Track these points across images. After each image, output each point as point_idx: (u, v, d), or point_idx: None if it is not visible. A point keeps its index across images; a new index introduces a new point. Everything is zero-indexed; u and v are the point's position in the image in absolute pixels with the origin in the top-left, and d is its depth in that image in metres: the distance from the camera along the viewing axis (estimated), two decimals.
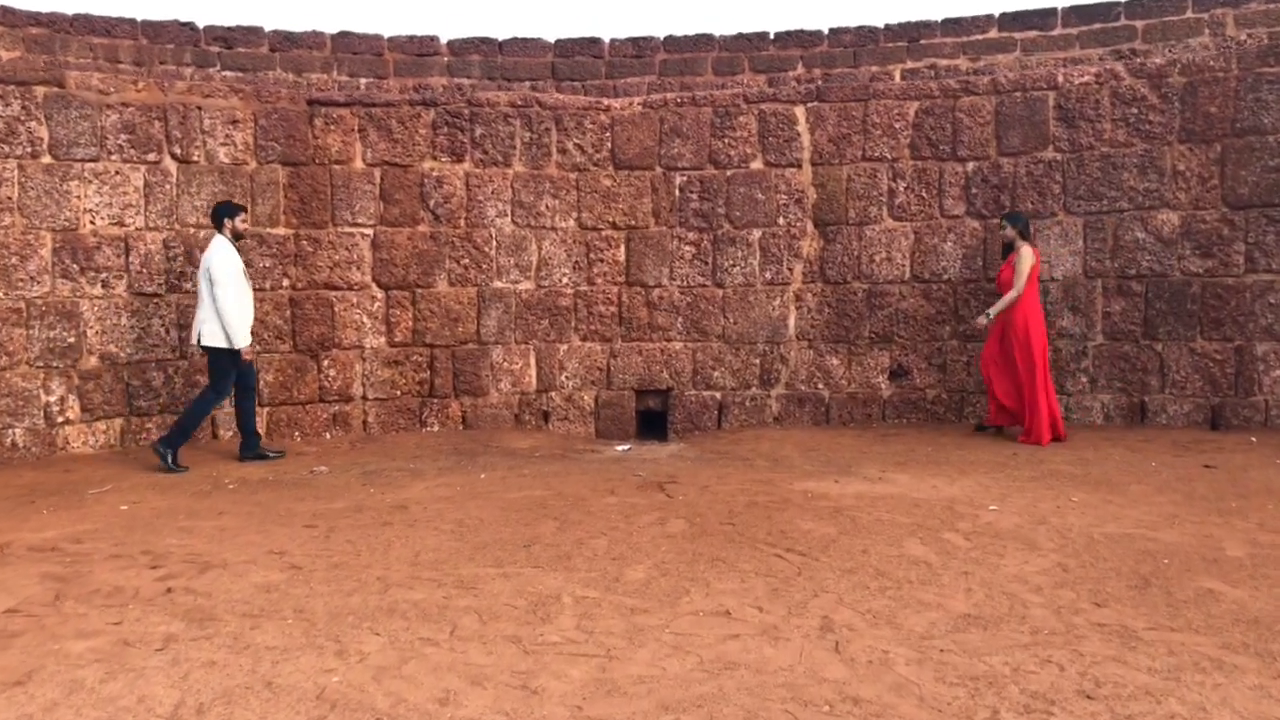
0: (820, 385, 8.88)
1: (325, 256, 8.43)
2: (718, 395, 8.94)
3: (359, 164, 8.53)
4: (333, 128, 8.44)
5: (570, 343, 8.94)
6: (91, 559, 4.69)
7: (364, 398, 8.61)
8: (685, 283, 8.91)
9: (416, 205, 8.63)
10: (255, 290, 8.24)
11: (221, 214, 7.44)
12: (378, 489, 6.37)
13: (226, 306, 7.18)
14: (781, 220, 8.84)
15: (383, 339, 8.62)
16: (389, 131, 8.54)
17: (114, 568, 4.53)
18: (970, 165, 8.57)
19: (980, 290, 8.57)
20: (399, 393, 8.68)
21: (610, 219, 8.88)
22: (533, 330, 8.84)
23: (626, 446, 8.36)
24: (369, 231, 8.56)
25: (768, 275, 8.86)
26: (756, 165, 8.86)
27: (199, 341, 7.32)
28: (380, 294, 8.60)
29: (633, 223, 8.89)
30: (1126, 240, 8.19)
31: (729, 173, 8.86)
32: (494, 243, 8.77)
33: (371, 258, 8.56)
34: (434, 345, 8.72)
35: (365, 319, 8.57)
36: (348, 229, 8.50)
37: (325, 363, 8.49)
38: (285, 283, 8.38)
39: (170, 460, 7.12)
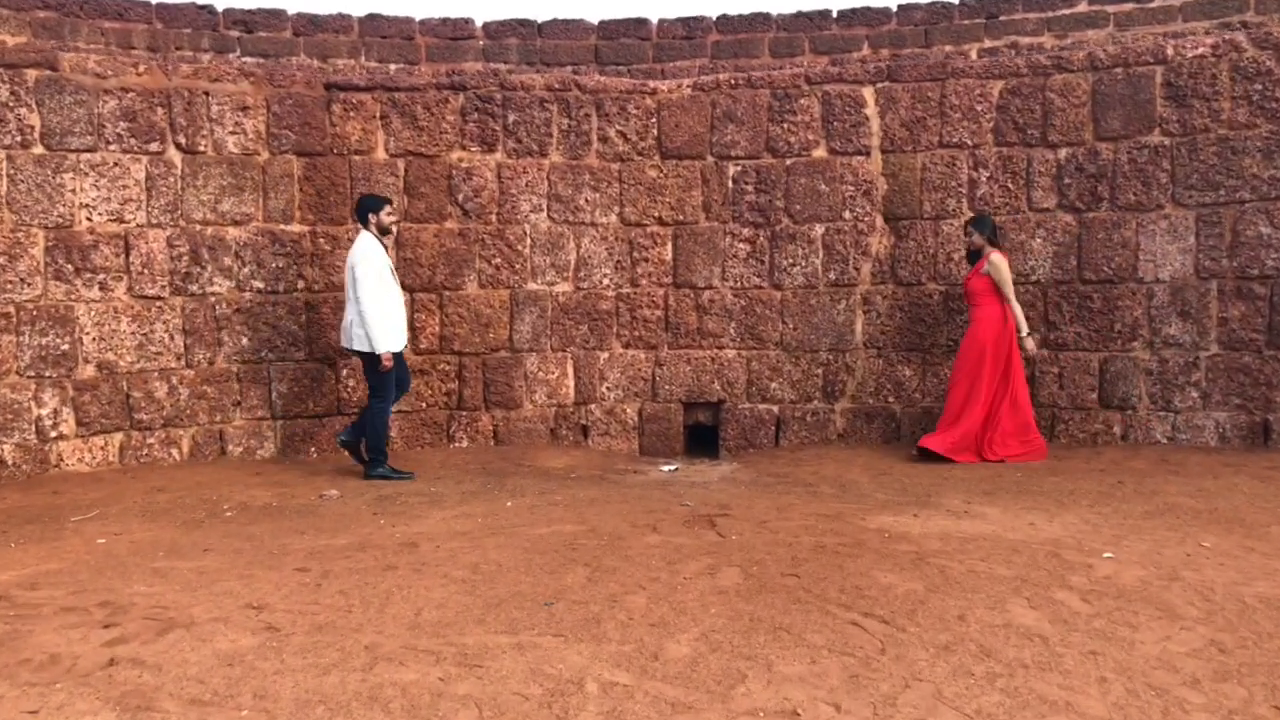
0: (891, 399, 8.02)
1: (344, 256, 7.76)
2: (775, 409, 8.12)
3: (381, 154, 7.85)
4: (352, 114, 7.77)
5: (612, 350, 8.18)
6: (40, 613, 4.02)
7: None
8: (739, 284, 8.11)
9: (444, 199, 7.93)
10: (268, 293, 7.61)
11: (366, 208, 6.94)
12: (389, 520, 5.67)
13: (367, 308, 6.72)
14: (847, 214, 8.00)
15: (407, 346, 7.93)
16: (414, 118, 7.86)
17: (61, 625, 3.86)
18: (1063, 152, 7.65)
19: (1073, 293, 7.65)
20: (424, 405, 7.99)
21: (656, 214, 8.11)
22: (570, 337, 8.11)
23: (673, 466, 7.58)
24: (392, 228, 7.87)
25: (831, 276, 8.02)
26: (819, 153, 8.03)
27: (349, 345, 6.93)
28: (404, 297, 7.92)
29: (681, 218, 8.11)
30: (1248, 236, 7.21)
31: (788, 162, 8.04)
32: (528, 240, 8.04)
33: (395, 257, 7.88)
34: (462, 353, 8.02)
35: None
36: None
37: (344, 372, 7.83)
38: (300, 284, 7.73)
39: (390, 472, 6.89)
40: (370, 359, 6.86)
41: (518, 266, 8.04)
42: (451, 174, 7.93)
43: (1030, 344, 7.22)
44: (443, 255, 7.94)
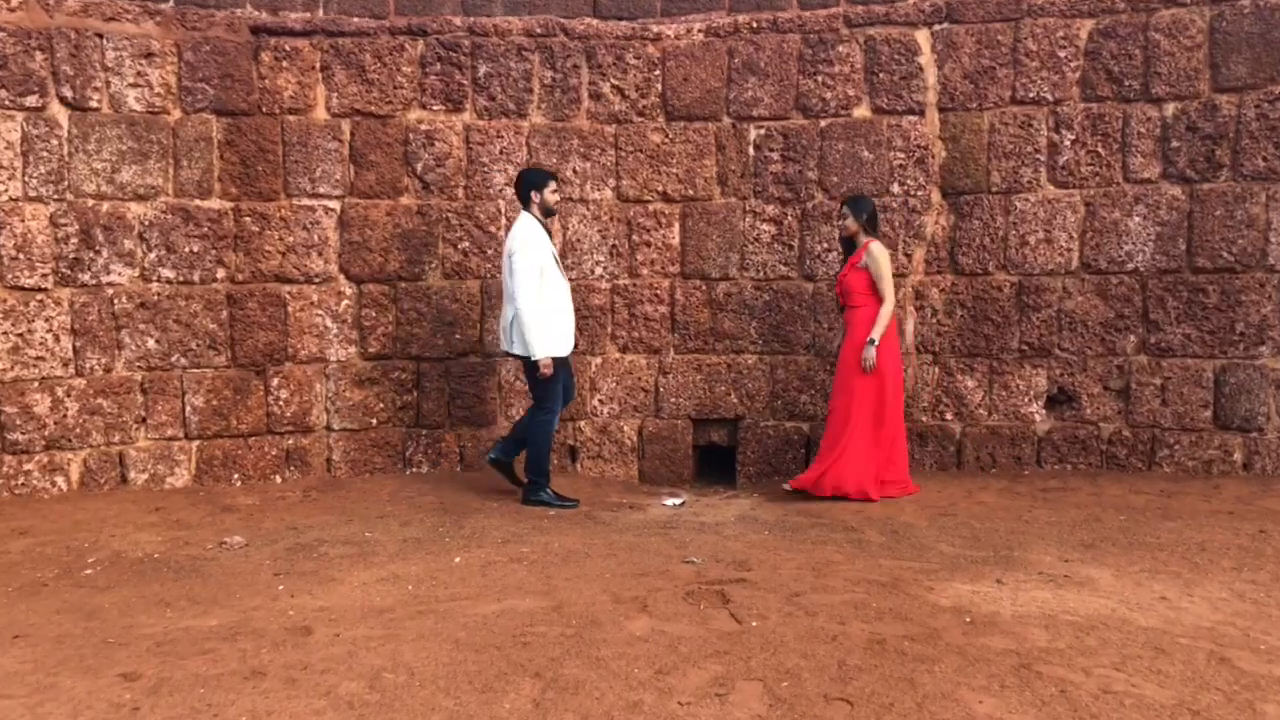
0: (949, 415, 6.60)
1: (275, 239, 6.42)
2: (806, 428, 6.72)
3: (321, 114, 6.50)
4: (286, 65, 6.42)
5: (605, 355, 6.80)
6: None
7: (328, 428, 6.58)
8: (762, 274, 6.71)
9: (399, 170, 6.57)
10: (180, 284, 6.28)
11: (529, 184, 5.97)
12: (291, 583, 4.31)
13: (525, 307, 5.75)
14: (896, 188, 6.58)
15: (353, 349, 6.58)
16: (362, 70, 6.50)
17: None
18: (1169, 108, 6.20)
19: (1181, 285, 6.20)
20: (375, 421, 6.63)
21: (660, 188, 6.72)
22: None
23: (679, 501, 6.18)
24: (334, 205, 6.52)
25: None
26: (861, 112, 6.61)
27: (509, 349, 5.99)
28: (350, 289, 6.57)
29: (691, 193, 6.72)
30: None
31: (823, 123, 6.63)
32: (503, 220, 6.67)
33: (338, 240, 6.53)
34: (422, 358, 6.65)
35: (329, 323, 6.54)
36: (306, 201, 6.48)
37: (275, 381, 6.48)
38: (221, 274, 6.38)
39: (553, 499, 5.97)
40: (531, 364, 5.85)
41: (490, 252, 6.67)
42: (408, 139, 6.57)
43: (871, 353, 5.83)
44: (397, 238, 6.57)
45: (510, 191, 6.66)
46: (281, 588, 4.26)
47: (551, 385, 5.88)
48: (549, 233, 5.97)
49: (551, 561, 4.59)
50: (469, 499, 6.08)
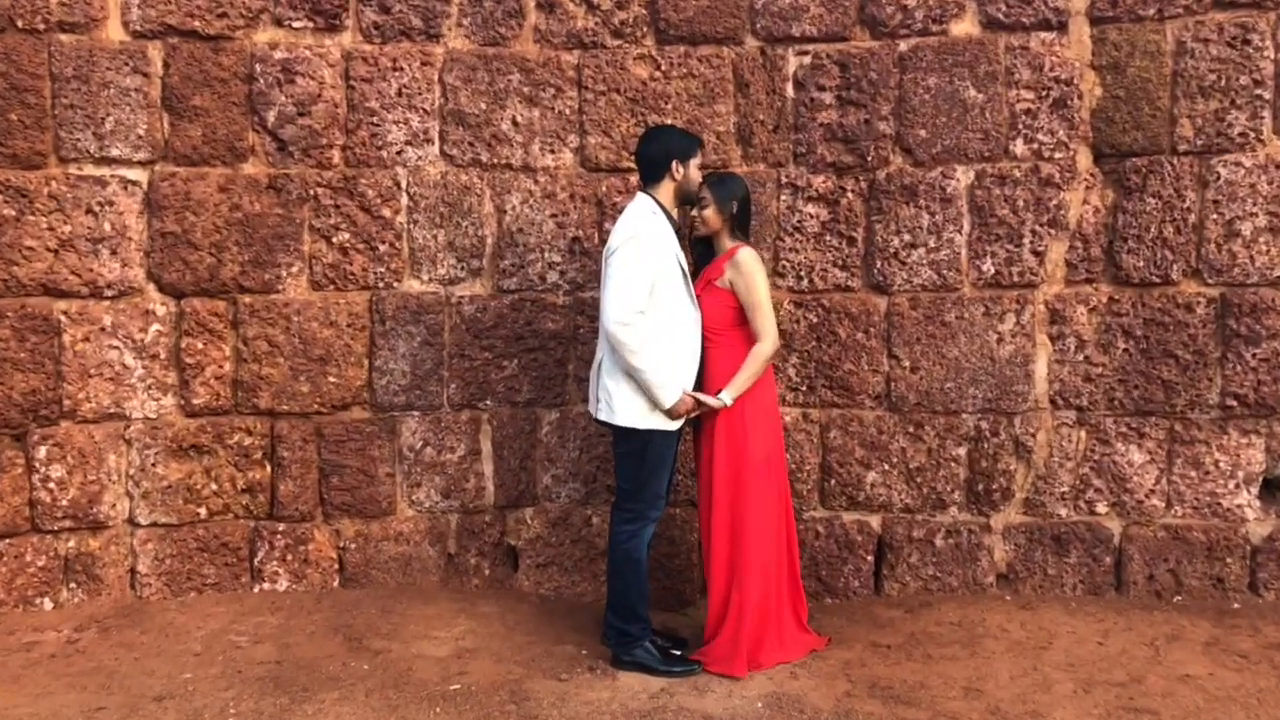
0: (1101, 507, 4.27)
1: (42, 228, 4.17)
2: (874, 521, 4.41)
3: (115, 31, 4.23)
4: None
5: (566, 407, 4.52)
6: None
7: (131, 523, 4.33)
8: (806, 281, 4.40)
9: (240, 121, 4.31)
10: None
11: (667, 151, 3.75)
12: None
13: (618, 328, 3.56)
14: (1019, 146, 4.25)
15: (169, 401, 4.32)
16: None
17: None
18: None
19: None
20: (205, 512, 4.38)
21: None
22: (486, 380, 4.45)
23: (677, 657, 3.86)
24: (138, 175, 4.27)
25: (987, 266, 4.28)
26: (964, 27, 4.28)
27: (596, 411, 3.80)
28: (163, 307, 4.31)
29: None
30: None
31: (903, 46, 4.31)
32: (404, 198, 4.40)
33: (144, 231, 4.28)
34: (279, 414, 4.39)
35: (130, 359, 4.29)
36: (91, 170, 4.22)
37: (42, 451, 4.22)
38: None
39: (656, 662, 3.72)
40: (625, 437, 3.70)
41: (383, 249, 4.39)
42: (255, 72, 4.30)
43: (718, 402, 3.69)
44: (238, 227, 4.31)
45: (417, 155, 4.38)
46: None
47: (653, 468, 3.69)
48: (679, 232, 3.77)
49: None
50: (330, 648, 3.82)
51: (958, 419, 4.33)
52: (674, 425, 3.64)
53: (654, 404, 3.57)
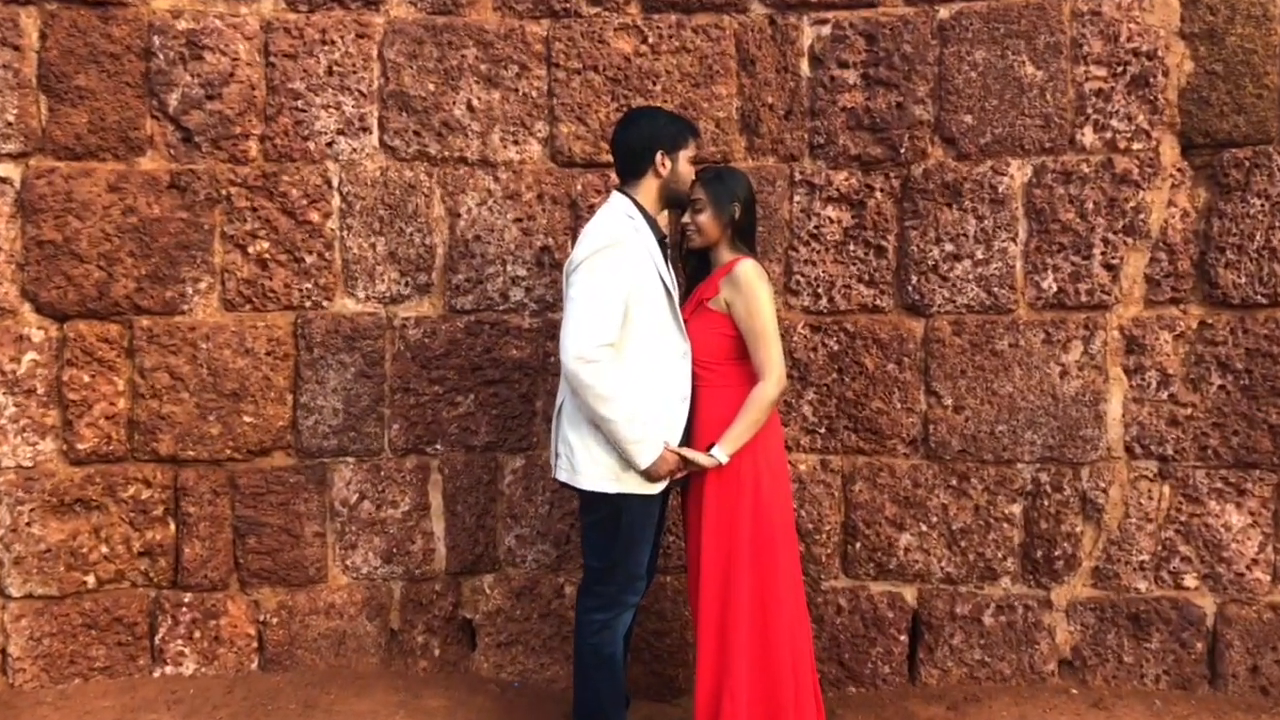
0: (1191, 580, 3.48)
1: None
2: (909, 594, 3.63)
3: None
4: None
5: (530, 453, 3.75)
6: None
7: (1, 594, 3.59)
8: (825, 300, 3.63)
9: (135, 105, 3.56)
10: None
11: (652, 138, 2.97)
12: None
13: (579, 364, 2.78)
14: (1088, 135, 3.47)
15: (47, 445, 3.57)
16: None
17: None
18: None
19: None
20: (93, 580, 3.62)
21: None
22: (435, 420, 3.69)
23: None
24: (7, 171, 3.51)
25: (1047, 283, 3.50)
26: None
27: (556, 470, 3.02)
28: (40, 330, 3.56)
29: None
30: None
31: (943, 11, 3.54)
32: (336, 198, 3.64)
33: (16, 238, 3.53)
34: (184, 460, 3.63)
35: None
36: None
37: None
38: None
39: None
40: (593, 503, 2.93)
41: (310, 260, 3.64)
42: (154, 46, 3.56)
43: (709, 460, 2.91)
44: (132, 234, 3.56)
45: (351, 145, 3.63)
46: None
47: (629, 543, 2.91)
48: (663, 242, 2.99)
49: None
50: None
51: (1011, 470, 3.55)
52: (654, 489, 2.87)
53: (628, 463, 2.81)
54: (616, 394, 2.74)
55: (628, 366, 2.80)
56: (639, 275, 2.82)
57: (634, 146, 2.92)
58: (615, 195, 2.97)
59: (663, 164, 2.92)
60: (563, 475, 2.91)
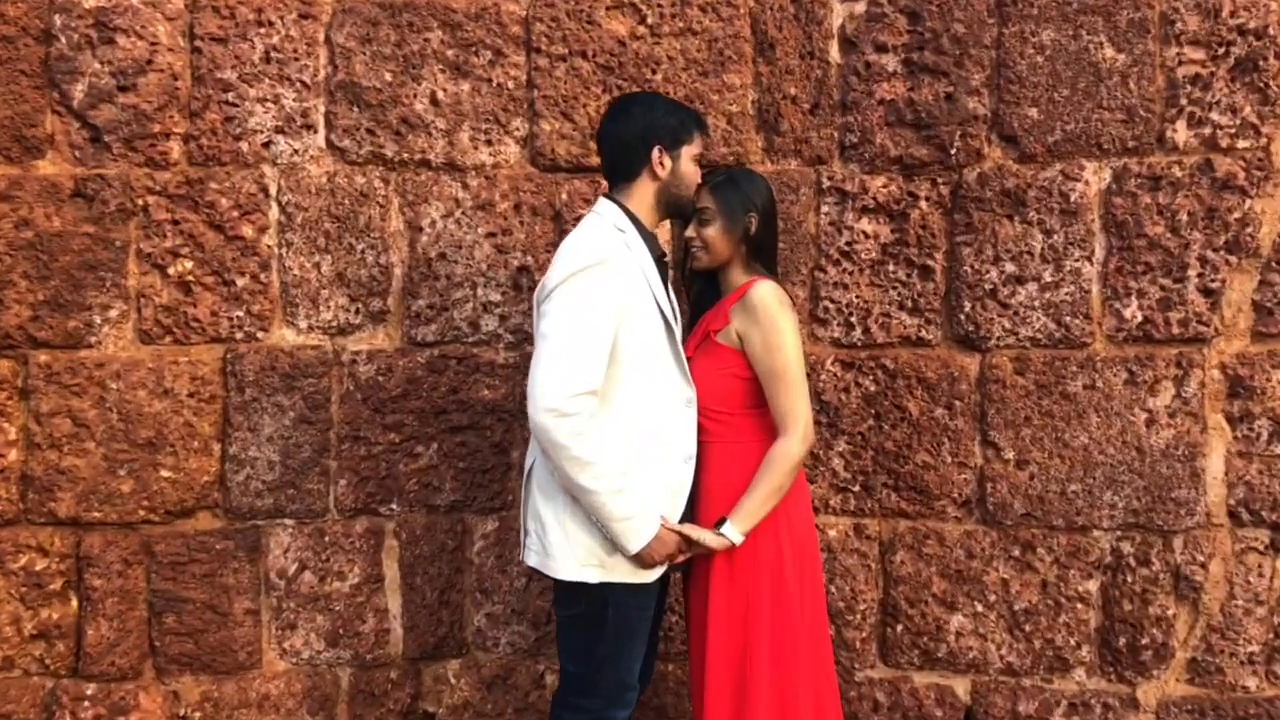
0: None
1: None
2: (960, 687, 3.00)
3: None
4: None
5: (504, 514, 3.14)
6: None
7: None
8: (858, 330, 3.02)
9: (33, 97, 2.98)
10: None
11: (648, 133, 2.36)
12: None
13: (552, 420, 2.15)
14: (1180, 131, 2.86)
15: None
16: None
17: None
18: None
19: None
20: None
21: None
22: (391, 474, 3.08)
23: None
24: None
25: (1131, 311, 2.89)
26: None
27: (526, 553, 2.41)
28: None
29: None
30: None
31: None
32: (274, 210, 3.06)
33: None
34: (87, 523, 3.03)
35: None
36: None
37: None
38: None
39: None
40: (579, 595, 2.29)
41: (242, 284, 3.05)
42: (55, 26, 2.98)
43: (717, 541, 2.30)
44: (28, 252, 2.98)
45: (291, 146, 3.06)
46: None
47: (618, 649, 2.30)
48: (662, 261, 2.42)
49: None
50: None
51: (1087, 538, 2.93)
52: (650, 576, 2.27)
53: (615, 544, 2.21)
54: (600, 457, 2.14)
55: (615, 420, 2.21)
56: (630, 303, 2.23)
57: (626, 141, 2.34)
58: (602, 202, 2.39)
59: (661, 163, 2.33)
60: (533, 559, 2.31)
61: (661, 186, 2.36)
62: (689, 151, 2.37)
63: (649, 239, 2.36)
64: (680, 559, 2.30)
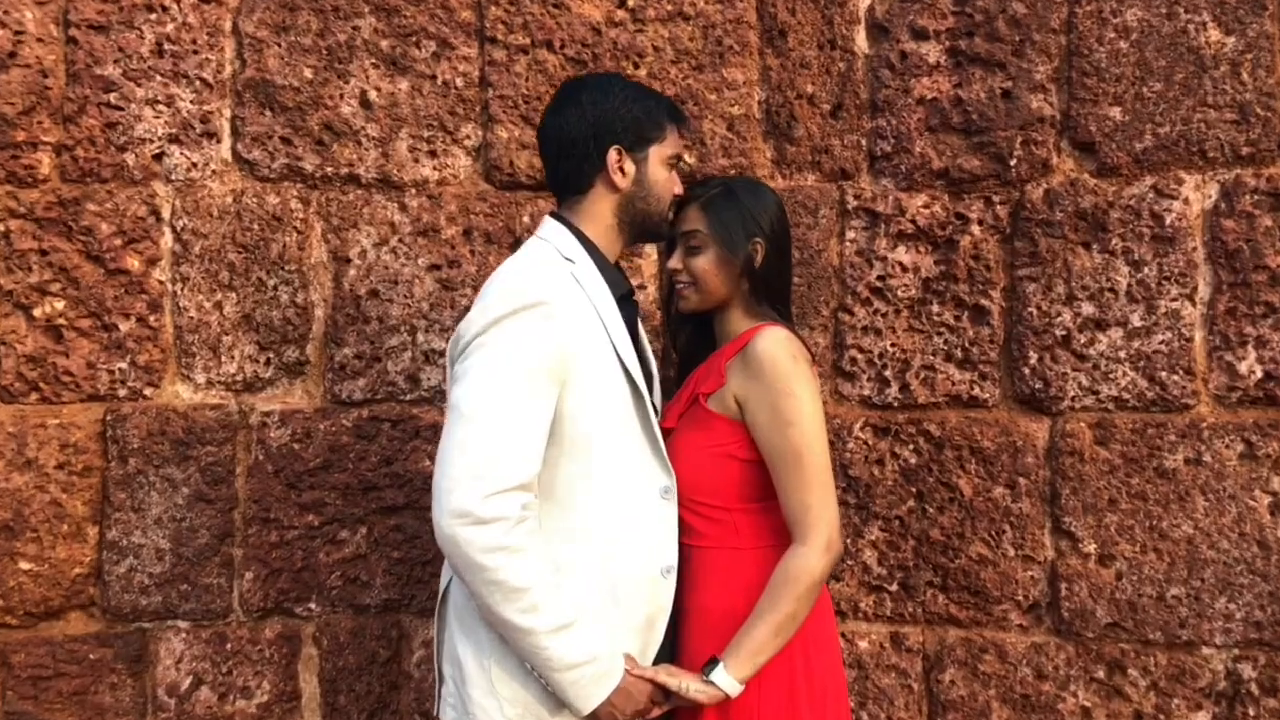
0: None
1: None
2: None
3: None
4: None
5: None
6: None
7: None
8: (894, 387, 2.40)
9: None
10: None
11: (599, 127, 1.74)
12: None
13: (507, 563, 1.56)
14: None
15: None
16: None
17: None
18: None
19: None
20: None
21: None
22: (310, 565, 2.47)
23: None
24: None
25: (1247, 365, 2.26)
26: None
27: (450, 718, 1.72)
28: None
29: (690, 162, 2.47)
30: None
31: None
32: (166, 236, 2.49)
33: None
34: None
35: None
36: None
37: None
38: None
39: None
40: None
41: (126, 328, 2.48)
42: None
43: (706, 692, 1.64)
44: None
45: (189, 160, 2.49)
46: None
47: None
48: (629, 301, 1.84)
49: None
50: None
51: (1194, 656, 2.28)
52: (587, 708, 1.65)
53: (562, 701, 1.60)
54: (534, 581, 1.54)
55: (560, 524, 1.61)
56: (579, 358, 1.64)
57: (573, 139, 1.74)
58: (547, 223, 1.80)
59: (620, 168, 1.74)
60: (448, 716, 1.70)
61: (623, 200, 1.76)
62: (660, 153, 1.78)
63: (609, 271, 1.76)
64: (654, 715, 1.68)
